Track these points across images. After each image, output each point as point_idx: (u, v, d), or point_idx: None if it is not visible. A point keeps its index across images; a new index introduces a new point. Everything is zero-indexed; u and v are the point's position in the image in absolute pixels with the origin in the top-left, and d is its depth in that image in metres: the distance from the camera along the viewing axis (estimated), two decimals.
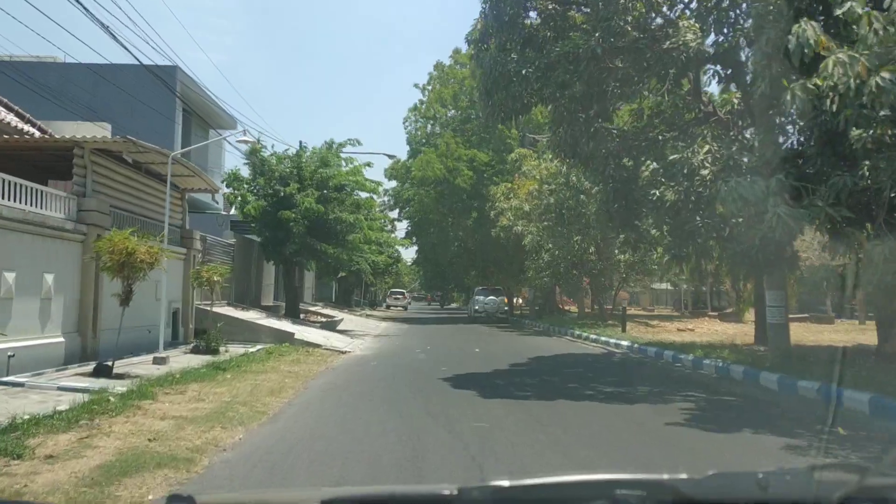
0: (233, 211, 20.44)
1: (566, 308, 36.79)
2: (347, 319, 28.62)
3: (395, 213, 42.80)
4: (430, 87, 37.86)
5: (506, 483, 1.48)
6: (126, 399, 7.67)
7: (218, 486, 4.79)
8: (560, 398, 8.97)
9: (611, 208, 12.20)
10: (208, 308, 16.07)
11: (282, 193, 19.53)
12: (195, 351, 13.56)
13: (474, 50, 12.19)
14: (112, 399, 7.50)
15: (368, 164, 22.03)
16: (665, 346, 15.55)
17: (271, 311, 22.57)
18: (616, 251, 24.28)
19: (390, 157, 28.61)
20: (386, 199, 41.00)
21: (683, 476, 1.53)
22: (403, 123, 39.21)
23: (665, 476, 1.53)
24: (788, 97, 6.74)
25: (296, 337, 16.46)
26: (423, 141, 37.56)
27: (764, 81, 7.70)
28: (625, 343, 17.18)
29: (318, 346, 16.21)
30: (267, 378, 10.53)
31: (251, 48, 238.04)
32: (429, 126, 38.28)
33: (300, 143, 22.01)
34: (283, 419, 7.41)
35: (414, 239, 43.14)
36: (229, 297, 19.96)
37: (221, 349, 13.83)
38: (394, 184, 39.42)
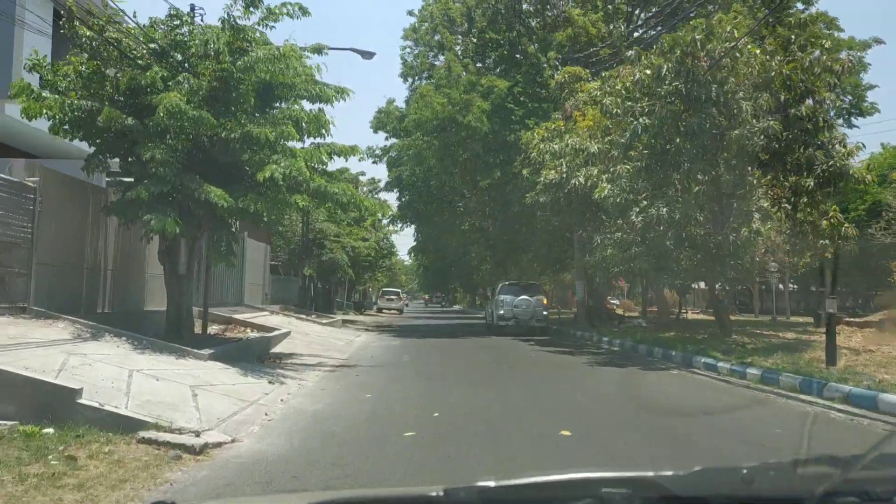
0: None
1: (625, 313, 26.50)
2: (303, 332, 18.26)
3: (386, 193, 32.78)
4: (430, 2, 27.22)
5: (491, 483, 1.47)
6: None
7: None
8: None
9: None
10: None
11: (121, 86, 9.24)
12: None
13: None
14: None
15: (318, 51, 11.72)
16: None
17: (149, 322, 12.45)
18: (757, 216, 14.00)
19: (365, 55, 17.96)
20: (371, 162, 30.78)
21: (668, 472, 1.50)
22: (402, 54, 28.65)
23: (650, 473, 1.51)
24: None
25: (81, 401, 6.09)
26: (425, 74, 26.86)
27: None
28: None
29: (142, 424, 5.89)
30: None
31: None
32: (432, 54, 27.44)
33: (192, 6, 11.37)
34: None
35: (408, 222, 32.82)
36: (25, 296, 9.68)
37: None
38: (382, 143, 28.99)
